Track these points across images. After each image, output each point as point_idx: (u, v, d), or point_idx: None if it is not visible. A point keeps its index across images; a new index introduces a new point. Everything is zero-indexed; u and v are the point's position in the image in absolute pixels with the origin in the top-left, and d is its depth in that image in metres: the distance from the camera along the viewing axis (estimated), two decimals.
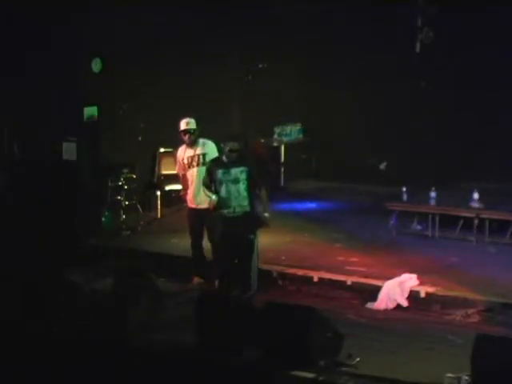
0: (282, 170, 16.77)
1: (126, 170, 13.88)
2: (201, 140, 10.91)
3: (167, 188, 14.27)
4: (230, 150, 9.84)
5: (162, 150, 14.60)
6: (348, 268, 11.13)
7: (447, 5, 14.55)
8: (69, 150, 13.29)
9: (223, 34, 15.40)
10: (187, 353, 8.20)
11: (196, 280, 10.99)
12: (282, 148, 16.77)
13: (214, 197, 9.97)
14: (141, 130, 14.43)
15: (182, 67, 14.68)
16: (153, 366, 7.82)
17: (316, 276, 10.88)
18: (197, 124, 10.92)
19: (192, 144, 10.88)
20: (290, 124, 17.04)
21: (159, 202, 14.14)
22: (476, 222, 12.14)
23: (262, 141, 16.55)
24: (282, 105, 16.43)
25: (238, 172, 9.85)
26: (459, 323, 9.63)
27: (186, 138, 10.88)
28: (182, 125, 10.91)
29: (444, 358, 8.14)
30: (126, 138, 14.09)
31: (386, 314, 9.90)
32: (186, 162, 10.93)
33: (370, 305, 10.23)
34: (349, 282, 10.67)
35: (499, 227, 12.12)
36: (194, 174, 10.73)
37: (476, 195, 12.30)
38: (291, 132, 17.05)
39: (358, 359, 7.94)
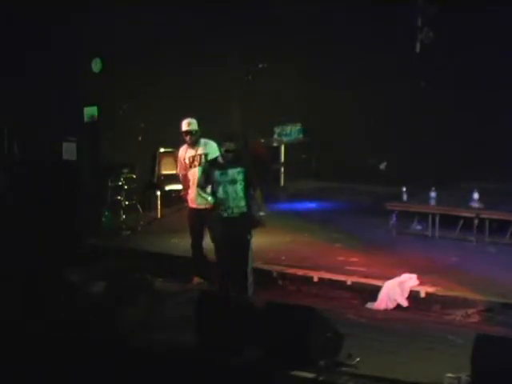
0: (282, 169, 16.78)
1: (125, 170, 13.88)
2: (202, 140, 10.92)
3: (167, 188, 14.27)
4: (227, 151, 9.81)
5: (162, 149, 14.61)
6: (348, 268, 11.13)
7: (447, 5, 14.55)
8: (69, 150, 13.30)
9: (223, 34, 15.40)
10: (187, 353, 8.20)
11: (196, 280, 10.99)
12: (282, 148, 16.78)
13: (209, 198, 9.97)
14: (141, 129, 14.43)
15: (181, 67, 14.68)
16: (153, 366, 7.83)
17: (316, 276, 10.88)
18: (198, 124, 10.92)
19: (193, 144, 10.89)
20: (289, 124, 17.04)
21: (159, 202, 14.14)
22: (476, 222, 12.14)
23: (262, 141, 16.56)
24: (282, 105, 16.43)
25: (235, 173, 9.83)
26: (459, 323, 9.64)
27: (188, 138, 10.89)
28: (184, 125, 10.92)
29: (444, 358, 8.13)
30: (126, 138, 14.09)
31: (386, 314, 9.90)
32: (187, 161, 10.93)
33: (370, 305, 10.23)
34: (349, 282, 10.67)
35: (499, 227, 12.12)
36: (196, 174, 10.72)
37: (476, 195, 12.30)
38: (291, 132, 17.05)
39: (358, 359, 7.94)
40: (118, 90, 13.76)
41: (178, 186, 12.21)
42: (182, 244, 11.85)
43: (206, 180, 10.04)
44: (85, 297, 9.37)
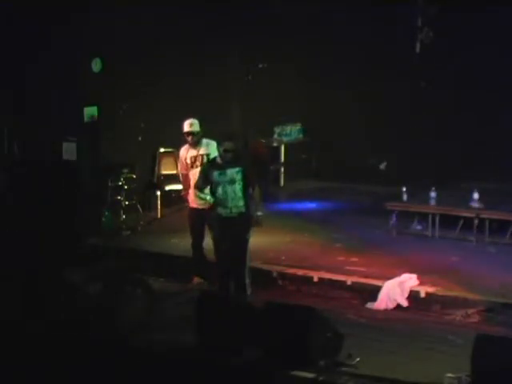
0: (282, 169, 16.79)
1: (125, 170, 13.88)
2: (204, 140, 10.91)
3: (167, 188, 14.27)
4: (225, 150, 9.79)
5: (162, 149, 14.61)
6: (348, 268, 11.13)
7: (447, 5, 14.54)
8: (69, 150, 13.30)
9: (223, 33, 15.39)
10: (187, 353, 8.20)
11: (196, 280, 10.99)
12: (282, 148, 16.78)
13: (208, 197, 9.95)
14: (141, 129, 14.42)
15: (181, 67, 14.67)
16: (153, 366, 7.83)
17: (316, 276, 10.88)
18: (200, 125, 10.93)
19: (195, 144, 10.89)
20: (289, 124, 17.03)
21: (159, 202, 14.14)
22: (476, 222, 12.14)
23: (263, 141, 16.56)
24: (282, 105, 16.42)
25: (234, 172, 9.81)
26: (459, 323, 9.64)
27: (189, 139, 10.90)
28: (186, 126, 10.92)
29: (444, 358, 8.14)
30: (126, 138, 14.08)
31: (386, 314, 9.90)
32: (188, 161, 10.93)
33: (370, 305, 10.23)
34: (349, 282, 10.67)
35: (499, 227, 12.12)
36: (197, 175, 10.70)
37: (476, 195, 12.30)
38: (291, 132, 17.05)
39: (358, 359, 7.94)
40: (118, 89, 13.76)
41: (178, 186, 12.21)
42: (182, 244, 11.85)
43: (204, 181, 10.00)
44: (85, 297, 9.36)
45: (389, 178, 15.35)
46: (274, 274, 11.11)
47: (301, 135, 17.18)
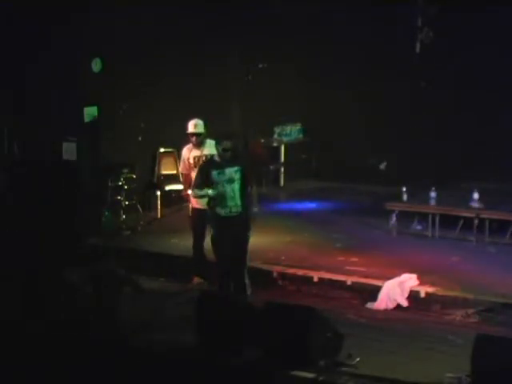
0: (282, 169, 16.79)
1: (126, 170, 13.88)
2: (208, 141, 10.87)
3: (167, 188, 14.28)
4: (224, 149, 9.74)
5: (162, 149, 14.63)
6: (348, 268, 11.13)
7: (447, 5, 14.54)
8: (69, 150, 13.30)
9: (223, 33, 15.39)
10: (187, 353, 8.20)
11: (196, 280, 10.99)
12: (282, 148, 16.79)
13: (210, 191, 9.79)
14: (141, 129, 14.42)
15: (181, 67, 14.67)
16: (153, 366, 7.83)
17: (316, 276, 10.87)
18: (205, 125, 10.94)
19: (199, 145, 10.89)
20: (289, 124, 17.04)
21: (159, 202, 14.14)
22: (476, 222, 12.14)
23: (262, 141, 16.56)
24: (282, 105, 16.42)
25: (233, 172, 9.77)
26: (459, 323, 9.63)
27: (193, 139, 10.92)
28: (190, 127, 10.92)
29: (444, 358, 8.14)
30: (126, 138, 14.08)
31: (386, 314, 9.90)
32: (191, 161, 10.92)
33: (370, 305, 10.23)
34: (349, 282, 10.67)
35: (499, 227, 12.12)
36: None
37: (476, 195, 12.30)
38: (291, 132, 17.06)
39: (358, 359, 7.94)
40: (118, 89, 13.76)
41: (178, 186, 12.22)
42: (181, 244, 11.85)
43: (204, 180, 9.90)
44: (85, 297, 9.36)
45: (389, 178, 15.35)
46: (274, 274, 11.11)
47: (301, 135, 17.18)
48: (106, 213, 13.48)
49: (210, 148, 10.80)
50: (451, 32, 14.85)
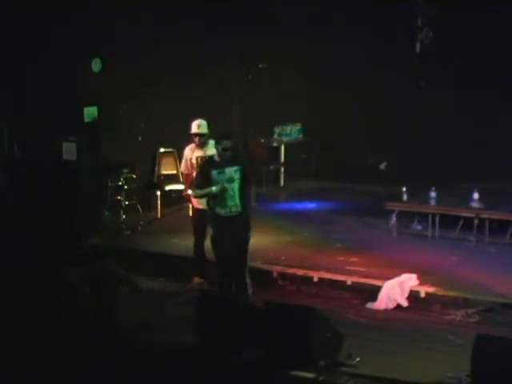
0: (282, 169, 16.79)
1: (125, 170, 13.88)
2: (211, 141, 10.82)
3: (167, 188, 14.28)
4: (224, 149, 9.71)
5: (162, 149, 14.63)
6: (348, 268, 11.13)
7: (447, 5, 14.54)
8: (69, 150, 13.30)
9: (223, 33, 15.39)
10: (187, 353, 8.20)
11: (196, 280, 10.99)
12: (282, 148, 16.78)
13: (214, 188, 9.73)
14: (141, 129, 14.42)
15: (181, 67, 14.67)
16: (153, 366, 7.83)
17: (316, 276, 10.88)
18: (208, 125, 10.93)
19: (202, 145, 10.89)
20: (289, 124, 17.04)
21: (159, 202, 14.14)
22: (476, 222, 12.14)
23: (262, 141, 16.56)
24: (282, 105, 16.42)
25: (233, 171, 9.74)
26: (459, 323, 9.64)
27: (197, 140, 10.91)
28: (194, 127, 10.92)
29: (444, 357, 8.14)
30: (126, 138, 14.08)
31: (386, 314, 9.90)
32: (194, 161, 10.91)
33: (370, 305, 10.23)
34: (349, 282, 10.67)
35: (499, 227, 12.12)
36: None
37: (476, 195, 12.30)
38: (291, 132, 17.06)
39: (358, 359, 7.94)
40: (118, 89, 13.76)
41: (178, 186, 12.22)
42: (181, 244, 11.86)
43: (205, 180, 9.88)
44: (84, 297, 9.36)
45: (389, 178, 15.34)
46: (274, 274, 11.11)
47: (301, 135, 17.18)
48: (106, 213, 13.48)
49: (213, 149, 10.77)
50: (451, 32, 14.85)
